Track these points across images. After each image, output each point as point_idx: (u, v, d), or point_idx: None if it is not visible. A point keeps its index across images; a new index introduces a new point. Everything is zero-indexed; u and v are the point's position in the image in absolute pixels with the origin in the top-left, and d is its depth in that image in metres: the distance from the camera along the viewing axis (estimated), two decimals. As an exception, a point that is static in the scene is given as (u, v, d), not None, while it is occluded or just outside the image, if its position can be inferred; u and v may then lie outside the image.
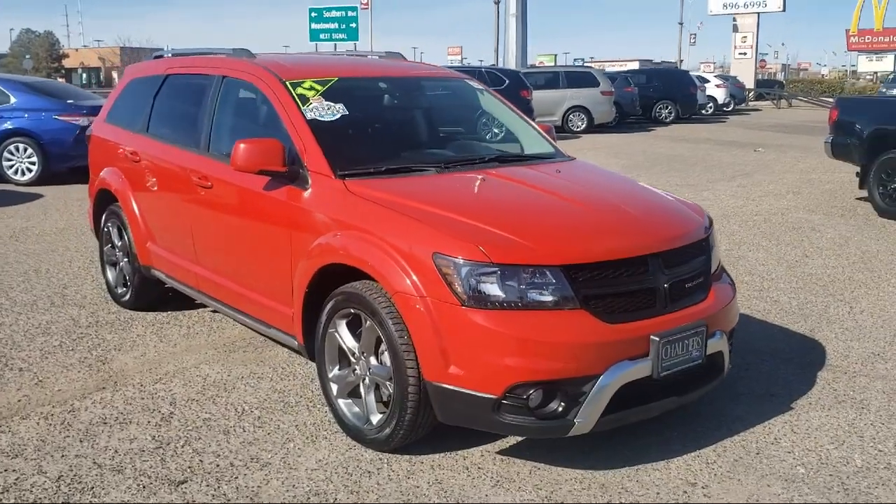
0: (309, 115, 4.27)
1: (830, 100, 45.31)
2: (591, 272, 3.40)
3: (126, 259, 5.89)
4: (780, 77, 58.15)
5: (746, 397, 4.36)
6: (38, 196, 11.14)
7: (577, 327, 3.32)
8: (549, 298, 3.33)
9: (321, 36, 31.50)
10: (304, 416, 4.19)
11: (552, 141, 4.97)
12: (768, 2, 46.27)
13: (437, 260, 3.37)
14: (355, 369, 3.84)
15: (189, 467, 3.65)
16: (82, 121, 11.92)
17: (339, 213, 3.87)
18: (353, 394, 3.93)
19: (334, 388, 3.96)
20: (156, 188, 5.36)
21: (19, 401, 4.40)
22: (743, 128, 27.09)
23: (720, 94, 35.13)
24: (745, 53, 46.64)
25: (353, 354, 3.84)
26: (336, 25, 31.10)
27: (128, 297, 5.88)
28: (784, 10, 46.45)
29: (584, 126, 23.52)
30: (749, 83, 43.18)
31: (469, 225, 3.50)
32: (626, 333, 3.39)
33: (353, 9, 30.64)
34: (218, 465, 3.67)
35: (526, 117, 5.14)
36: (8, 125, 11.97)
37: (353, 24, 30.67)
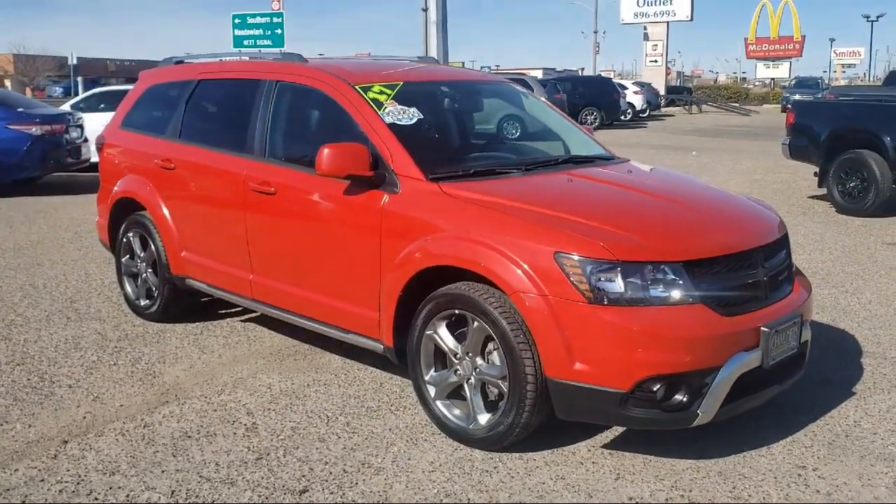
0: (388, 119, 4.26)
1: (736, 105, 47.43)
2: (708, 267, 3.53)
3: (151, 270, 5.71)
4: (675, 84, 60.21)
5: (808, 384, 4.56)
6: (-8, 209, 10.62)
7: (698, 321, 3.43)
8: (671, 294, 3.44)
9: (245, 42, 30.84)
10: (392, 419, 4.17)
11: (601, 143, 5.09)
12: (677, 11, 47.91)
13: (560, 259, 3.43)
14: (457, 370, 3.86)
15: (303, 476, 3.60)
16: (35, 130, 11.44)
17: (435, 216, 3.88)
18: (452, 395, 3.94)
19: (432, 390, 3.96)
20: (196, 195, 5.22)
21: (84, 418, 4.23)
22: (666, 132, 28.02)
23: (638, 101, 36.24)
24: (655, 61, 48.16)
25: (456, 355, 3.85)
26: (260, 31, 30.55)
27: (154, 308, 5.70)
28: (692, 20, 48.19)
29: (517, 134, 23.83)
30: (661, 90, 44.63)
31: (584, 224, 3.57)
32: (740, 325, 3.52)
33: (279, 14, 30.18)
34: (331, 473, 3.63)
35: (571, 120, 5.24)
36: (-46, 136, 11.35)
37: (279, 31, 30.19)
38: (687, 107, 44.46)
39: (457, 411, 3.90)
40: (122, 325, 5.72)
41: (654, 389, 3.38)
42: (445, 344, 3.87)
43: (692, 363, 3.39)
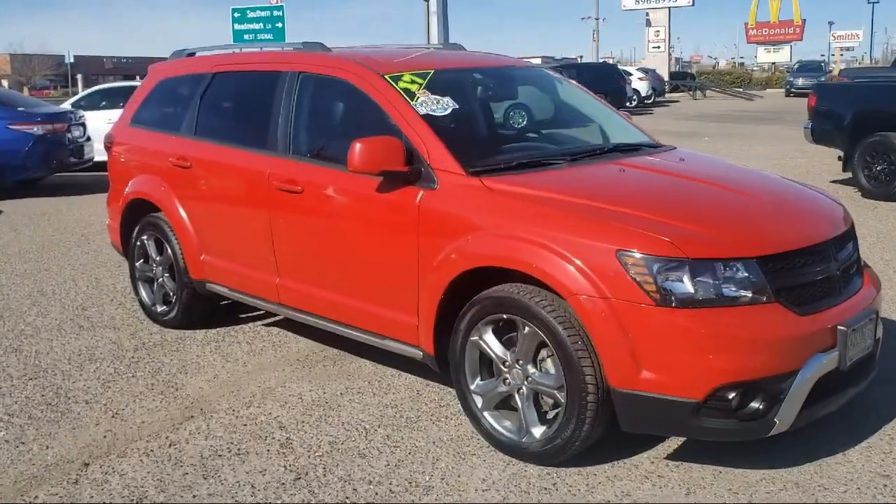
0: (421, 111, 3.97)
1: (740, 90, 47.04)
2: (783, 262, 3.25)
3: (168, 274, 5.44)
4: (674, 70, 59.82)
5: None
6: (-5, 211, 10.33)
7: (774, 321, 3.16)
8: (745, 293, 3.16)
9: (245, 37, 30.41)
10: (434, 431, 3.90)
11: (643, 129, 4.80)
12: (678, -3, 47.43)
13: (623, 257, 3.15)
14: (506, 379, 3.58)
15: (347, 497, 3.33)
16: (37, 129, 11.14)
17: (478, 213, 3.60)
18: (501, 405, 3.67)
19: (478, 400, 3.69)
20: (215, 195, 4.94)
21: (105, 437, 3.96)
22: (673, 118, 27.70)
23: (643, 87, 35.89)
24: (658, 47, 47.76)
25: (505, 363, 3.57)
26: (261, 26, 30.12)
27: (172, 314, 5.42)
28: (693, 5, 47.76)
29: (524, 123, 23.52)
30: (664, 76, 44.28)
31: (646, 219, 3.29)
32: (817, 325, 3.25)
33: (279, 8, 29.77)
34: (377, 493, 3.36)
35: (609, 105, 4.96)
36: (-47, 137, 11.06)
37: (280, 24, 29.75)
38: (691, 92, 44.09)
39: (507, 423, 3.62)
40: (139, 334, 5.45)
41: (730, 398, 3.11)
42: (493, 351, 3.60)
43: (769, 368, 3.12)
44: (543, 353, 3.45)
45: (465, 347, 3.67)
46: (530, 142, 4.50)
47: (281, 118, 4.53)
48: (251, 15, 30.41)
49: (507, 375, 3.57)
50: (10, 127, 11.05)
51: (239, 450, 3.78)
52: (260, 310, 5.45)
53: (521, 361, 3.51)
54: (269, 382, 4.58)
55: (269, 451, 3.76)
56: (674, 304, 3.10)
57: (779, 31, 63.36)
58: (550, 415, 3.49)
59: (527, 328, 3.42)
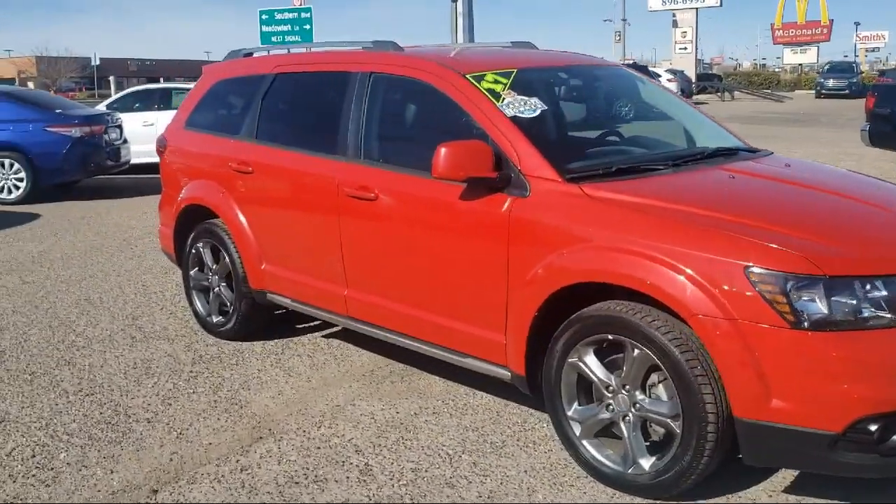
0: (508, 112, 3.70)
1: (768, 91, 46.43)
2: (927, 281, 2.94)
3: (225, 283, 5.20)
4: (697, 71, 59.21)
5: None
6: (34, 216, 10.16)
7: (920, 346, 2.85)
8: (886, 314, 2.85)
9: (273, 39, 30.27)
10: (524, 458, 3.63)
11: (734, 133, 4.50)
12: (706, -3, 46.96)
13: (752, 274, 2.86)
14: (609, 405, 3.30)
15: (442, 534, 3.06)
16: (75, 132, 10.98)
17: (579, 224, 3.32)
18: (602, 433, 3.38)
19: (576, 427, 3.41)
20: (278, 201, 4.70)
21: (171, 460, 3.72)
22: (706, 120, 27.22)
23: (672, 88, 35.39)
24: (685, 48, 47.29)
25: (608, 388, 3.29)
26: (289, 27, 29.95)
27: (229, 325, 5.18)
28: (721, 6, 47.23)
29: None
30: (692, 77, 43.83)
31: (774, 231, 3.00)
32: (962, 349, 2.93)
33: (307, 9, 29.59)
34: (474, 529, 3.08)
35: (696, 106, 4.66)
36: (-10, 139, 10.92)
37: (307, 26, 29.58)
38: (719, 94, 43.57)
39: (610, 452, 3.34)
40: (194, 346, 5.21)
41: (871, 430, 2.81)
42: (594, 374, 3.32)
43: (916, 398, 2.81)
44: (654, 377, 3.17)
45: (562, 370, 3.39)
46: (620, 145, 4.21)
47: (351, 121, 4.27)
48: (279, 17, 30.28)
49: (611, 401, 3.29)
50: (48, 129, 10.89)
51: (316, 476, 3.52)
52: (318, 320, 5.22)
53: (627, 386, 3.23)
54: (338, 400, 4.33)
55: (348, 478, 3.50)
56: (809, 327, 2.81)
57: (806, 31, 62.49)
58: (660, 444, 3.20)
59: (636, 350, 3.14)
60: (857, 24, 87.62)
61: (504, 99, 3.76)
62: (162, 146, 5.61)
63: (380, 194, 4.03)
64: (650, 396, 3.19)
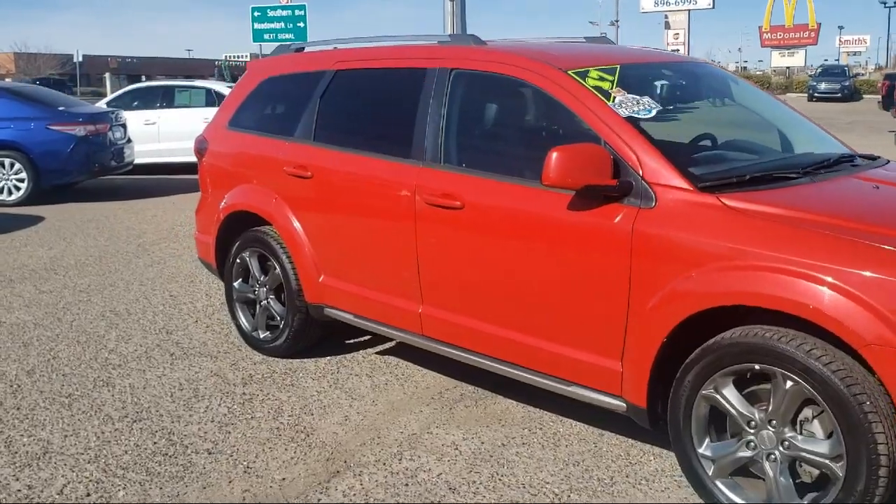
0: (623, 112, 3.34)
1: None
2: None
3: (274, 296, 4.81)
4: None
5: None
6: (37, 218, 9.68)
7: None
8: None
9: (265, 36, 29.83)
10: (640, 498, 3.28)
11: (837, 138, 4.17)
12: (698, -1, 46.80)
13: None
14: (750, 442, 2.95)
15: (577, 593, 2.69)
16: (79, 130, 10.50)
17: (719, 239, 2.96)
18: (737, 471, 3.03)
19: (708, 466, 3.06)
20: (341, 209, 4.31)
21: (244, 499, 3.32)
22: (704, 123, 27.04)
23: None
24: (677, 50, 47.10)
25: (750, 423, 2.94)
26: (282, 25, 29.52)
27: (279, 342, 4.79)
28: (713, 7, 47.17)
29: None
30: (684, 79, 43.77)
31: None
32: None
33: (301, 7, 29.16)
34: (612, 587, 2.72)
35: (795, 109, 4.32)
36: (-11, 138, 10.42)
37: (301, 24, 29.16)
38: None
39: (751, 494, 2.99)
40: (240, 363, 4.81)
41: None
42: (733, 408, 2.97)
43: None
44: (808, 412, 2.82)
45: (693, 402, 3.04)
46: (730, 150, 3.85)
47: (429, 122, 3.90)
48: (271, 14, 29.84)
49: (752, 437, 2.94)
50: (51, 128, 10.41)
51: (414, 520, 3.14)
52: (369, 335, 4.86)
53: (774, 422, 2.88)
54: (411, 427, 3.95)
55: (451, 522, 3.13)
56: None
57: (793, 35, 62.65)
58: (811, 486, 2.85)
59: (788, 383, 2.79)
60: (840, 27, 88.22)
61: (614, 98, 3.40)
62: (202, 148, 5.20)
63: (467, 203, 3.65)
64: (802, 433, 2.84)
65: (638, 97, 3.44)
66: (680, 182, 3.09)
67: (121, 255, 7.72)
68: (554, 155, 3.11)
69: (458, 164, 3.81)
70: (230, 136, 5.04)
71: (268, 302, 4.85)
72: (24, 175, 10.44)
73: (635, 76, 3.71)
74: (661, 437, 3.43)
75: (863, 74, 46.03)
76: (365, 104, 4.44)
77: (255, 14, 29.56)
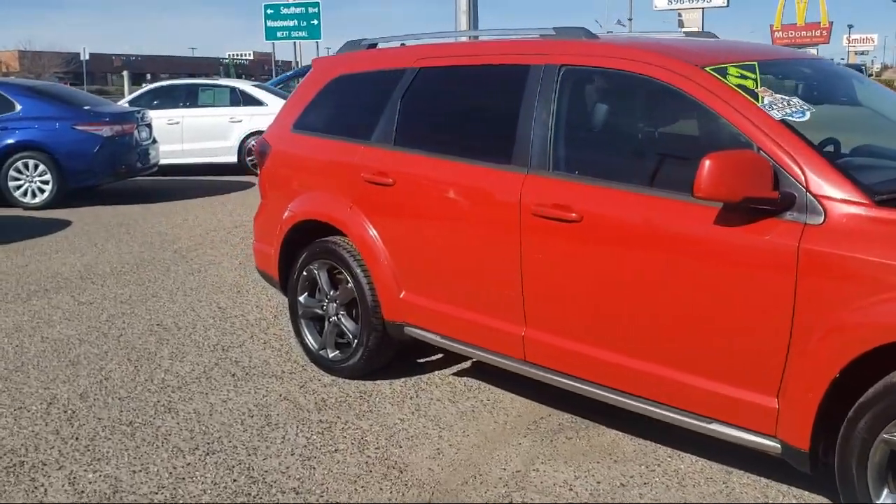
0: (776, 115, 2.95)
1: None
2: None
3: (345, 312, 4.44)
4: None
5: None
6: (64, 223, 9.32)
7: None
8: None
9: (279, 34, 29.52)
10: (798, 552, 2.89)
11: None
12: (712, -4, 46.39)
13: None
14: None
15: None
16: (105, 130, 10.13)
17: (903, 259, 2.58)
18: (924, 526, 2.65)
19: (895, 518, 2.67)
20: (430, 219, 3.93)
21: (346, 550, 2.94)
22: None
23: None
24: (690, 48, 46.77)
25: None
26: (295, 23, 29.17)
27: (351, 362, 4.41)
28: (728, 6, 46.78)
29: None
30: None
31: None
32: None
33: (315, 4, 28.76)
34: None
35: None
36: (13, 138, 10.03)
37: (315, 21, 28.81)
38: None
39: (941, 554, 2.60)
40: (310, 385, 4.43)
41: None
42: (924, 452, 2.57)
43: None
44: None
45: (870, 447, 2.65)
46: (880, 157, 3.47)
47: (535, 124, 3.51)
48: (284, 11, 29.48)
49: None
50: (76, 128, 10.04)
51: (545, 578, 2.76)
52: (436, 349, 4.50)
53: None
54: (513, 462, 3.57)
55: (589, 581, 2.74)
56: None
57: (805, 33, 62.08)
58: None
59: None
60: (850, 26, 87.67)
61: (763, 98, 3.02)
62: (263, 151, 4.82)
63: (586, 215, 3.27)
64: None
65: (787, 98, 3.05)
66: (854, 195, 2.71)
67: (158, 262, 7.34)
68: (708, 163, 2.73)
69: (570, 172, 3.43)
70: (296, 139, 4.66)
71: (338, 318, 4.47)
72: (48, 177, 10.07)
73: (774, 74, 3.32)
74: (796, 476, 3.07)
75: (871, 74, 45.61)
76: (454, 105, 4.06)
77: (268, 11, 29.17)
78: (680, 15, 46.60)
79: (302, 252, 4.57)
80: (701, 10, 46.19)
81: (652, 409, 3.23)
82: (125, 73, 26.98)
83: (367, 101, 4.36)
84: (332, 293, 4.49)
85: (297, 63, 33.63)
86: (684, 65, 3.16)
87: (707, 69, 3.13)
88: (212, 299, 6.12)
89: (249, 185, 12.55)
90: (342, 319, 4.45)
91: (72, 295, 6.25)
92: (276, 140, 4.77)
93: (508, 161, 3.59)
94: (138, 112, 11.03)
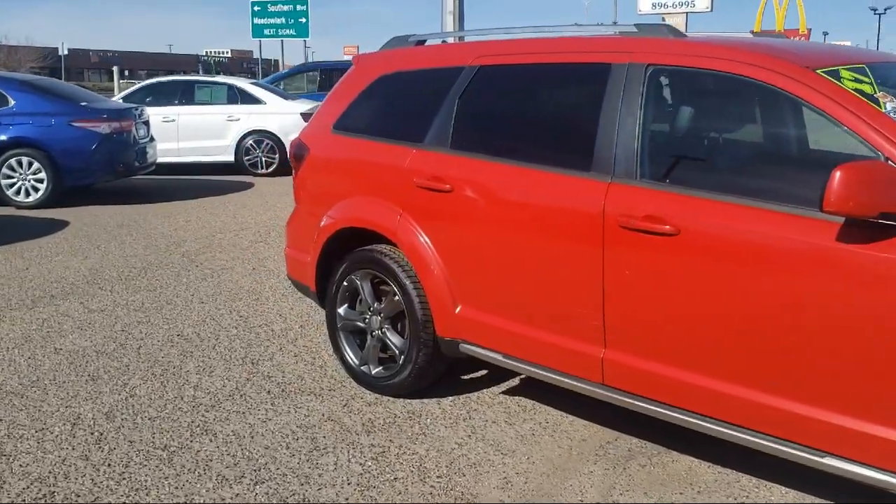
0: (902, 123, 2.71)
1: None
2: None
3: (389, 326, 4.15)
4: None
5: None
6: (62, 223, 8.93)
7: None
8: None
9: (266, 32, 29.07)
10: None
11: None
12: (696, 2, 46.47)
13: None
14: None
15: None
16: (103, 127, 9.75)
17: None
18: None
19: None
20: (494, 229, 3.65)
21: None
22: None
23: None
24: (675, 52, 46.92)
25: None
26: (283, 20, 28.72)
27: (397, 379, 4.13)
28: (711, 10, 46.88)
29: None
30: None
31: None
32: None
33: (304, 2, 28.33)
34: None
35: None
36: (6, 134, 9.61)
37: (303, 19, 28.39)
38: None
39: None
40: (352, 404, 4.14)
41: None
42: None
43: None
44: None
45: None
46: None
47: (620, 128, 3.25)
48: (272, 9, 29.03)
49: None
50: (73, 124, 9.64)
51: None
52: (483, 365, 4.23)
53: None
54: (589, 493, 3.31)
55: None
56: None
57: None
58: None
59: None
60: (825, 33, 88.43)
61: (884, 104, 2.77)
62: (300, 154, 4.52)
63: (684, 228, 3.01)
64: None
65: (907, 103, 2.80)
66: None
67: (166, 266, 7.00)
68: (839, 175, 2.48)
69: (661, 180, 3.16)
70: (337, 140, 4.37)
71: (382, 332, 4.18)
72: (43, 175, 9.67)
73: (885, 78, 3.07)
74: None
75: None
76: (520, 106, 3.78)
77: (255, 9, 28.70)
78: (664, 20, 46.68)
79: (341, 261, 4.28)
80: (685, 15, 46.33)
81: (754, 439, 2.97)
82: (115, 68, 26.34)
83: (418, 101, 4.08)
84: (375, 305, 4.20)
85: (281, 62, 33.22)
86: (795, 67, 2.91)
87: (819, 72, 2.88)
88: (231, 307, 5.80)
89: (248, 185, 12.20)
90: (387, 334, 4.16)
91: (81, 302, 5.90)
92: (314, 142, 4.47)
93: (587, 168, 3.32)
94: (136, 108, 10.65)
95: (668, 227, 3.04)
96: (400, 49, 4.32)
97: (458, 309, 3.83)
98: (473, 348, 3.83)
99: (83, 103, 9.99)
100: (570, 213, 3.34)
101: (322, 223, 4.34)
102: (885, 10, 70.59)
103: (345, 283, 4.29)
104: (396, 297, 4.06)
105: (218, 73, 73.52)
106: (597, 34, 3.65)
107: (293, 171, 4.65)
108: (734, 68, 3.04)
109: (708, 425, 3.09)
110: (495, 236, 3.64)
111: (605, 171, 3.27)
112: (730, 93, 3.24)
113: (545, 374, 3.59)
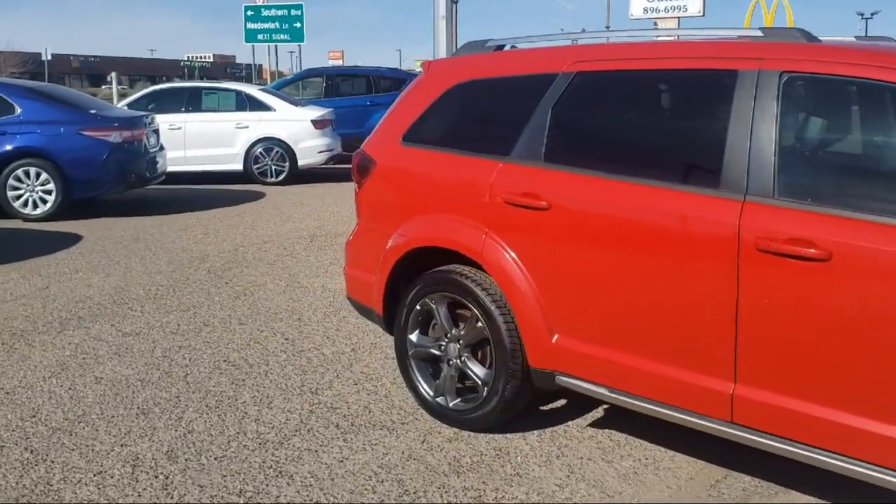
0: None
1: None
2: None
3: (469, 354, 3.84)
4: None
5: None
6: (74, 237, 8.55)
7: None
8: None
9: (259, 37, 28.65)
10: None
11: None
12: (688, 6, 46.45)
13: None
14: None
15: None
16: (114, 136, 9.37)
17: None
18: None
19: None
20: (603, 252, 3.34)
21: None
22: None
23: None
24: (666, 57, 46.89)
25: None
26: (276, 25, 28.30)
27: (482, 412, 3.81)
28: (703, 15, 46.89)
29: None
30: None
31: None
32: None
33: (298, 6, 27.90)
34: None
35: None
36: (13, 144, 9.22)
37: (298, 24, 27.99)
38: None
39: None
40: (431, 440, 3.82)
41: None
42: None
43: None
44: None
45: None
46: None
47: (753, 142, 2.96)
48: (265, 13, 28.63)
49: None
50: (83, 133, 9.26)
51: None
52: (560, 395, 3.92)
53: None
54: (716, 542, 3.00)
55: None
56: None
57: (773, 43, 62.82)
58: None
59: None
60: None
61: None
62: (365, 167, 4.20)
63: (836, 253, 2.71)
64: None
65: None
66: None
67: (194, 284, 6.65)
68: None
69: (804, 199, 2.86)
70: (407, 153, 4.05)
71: (462, 361, 3.86)
72: (51, 186, 9.28)
73: None
74: None
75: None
76: (629, 116, 3.48)
77: (248, 13, 28.26)
78: (656, 24, 46.61)
79: (412, 283, 3.96)
80: (677, 20, 46.32)
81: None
82: (113, 74, 25.82)
83: (503, 111, 3.78)
84: (453, 332, 3.88)
85: (276, 67, 32.84)
86: (960, 74, 2.62)
87: None
88: (273, 328, 5.46)
89: (260, 195, 11.85)
90: (468, 363, 3.85)
91: (112, 324, 5.55)
92: (381, 154, 4.15)
93: (715, 185, 3.02)
94: (147, 116, 10.28)
95: (814, 250, 2.74)
96: (476, 55, 4.01)
97: (554, 338, 3.51)
98: (573, 381, 3.52)
99: (92, 111, 9.61)
100: (696, 234, 3.04)
101: (391, 242, 4.02)
102: (872, 14, 70.95)
103: (417, 307, 3.97)
104: (479, 324, 3.74)
105: (202, 78, 72.74)
106: (711, 39, 3.34)
107: (356, 186, 4.32)
108: (890, 76, 2.75)
109: (853, 468, 2.79)
110: (602, 259, 3.33)
111: (736, 189, 2.97)
112: (878, 102, 2.94)
113: (661, 410, 3.28)
